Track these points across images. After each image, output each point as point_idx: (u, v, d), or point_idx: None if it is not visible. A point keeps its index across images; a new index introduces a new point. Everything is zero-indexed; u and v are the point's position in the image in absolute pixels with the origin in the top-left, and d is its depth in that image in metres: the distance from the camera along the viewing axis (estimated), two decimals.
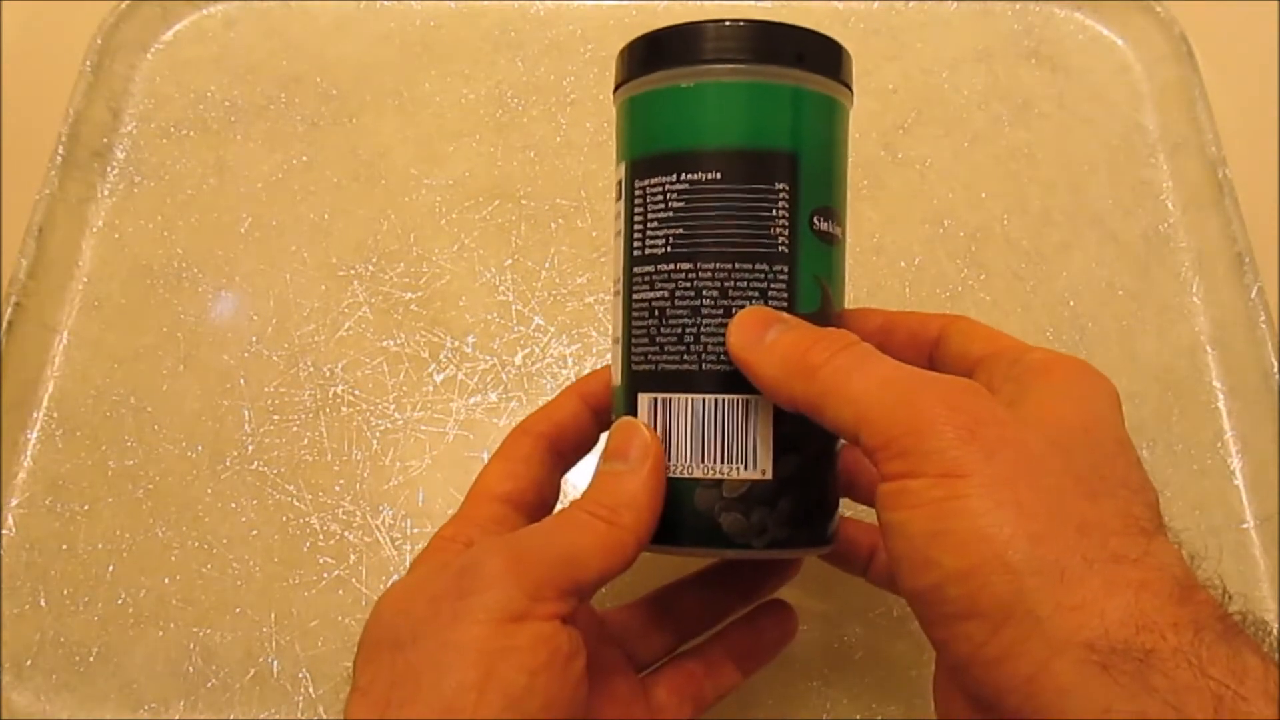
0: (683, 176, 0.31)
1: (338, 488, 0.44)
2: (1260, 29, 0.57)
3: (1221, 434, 0.46)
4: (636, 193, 0.32)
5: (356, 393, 0.46)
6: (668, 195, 0.31)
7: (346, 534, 0.43)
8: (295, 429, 0.45)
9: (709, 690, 0.35)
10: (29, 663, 0.41)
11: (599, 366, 0.46)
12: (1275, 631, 0.24)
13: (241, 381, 0.46)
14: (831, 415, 0.27)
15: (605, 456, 0.30)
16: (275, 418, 0.45)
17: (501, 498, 0.32)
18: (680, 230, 0.31)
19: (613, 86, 0.33)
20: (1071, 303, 0.48)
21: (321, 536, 0.43)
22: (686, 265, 0.31)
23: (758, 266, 0.30)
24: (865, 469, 0.34)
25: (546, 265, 0.49)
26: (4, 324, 0.45)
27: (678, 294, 0.31)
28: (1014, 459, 0.24)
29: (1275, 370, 0.45)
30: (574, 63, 0.54)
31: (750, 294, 0.30)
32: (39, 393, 0.46)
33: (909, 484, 0.24)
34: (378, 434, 0.45)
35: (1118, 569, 0.23)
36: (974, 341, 0.31)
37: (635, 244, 0.32)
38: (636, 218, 0.32)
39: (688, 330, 0.31)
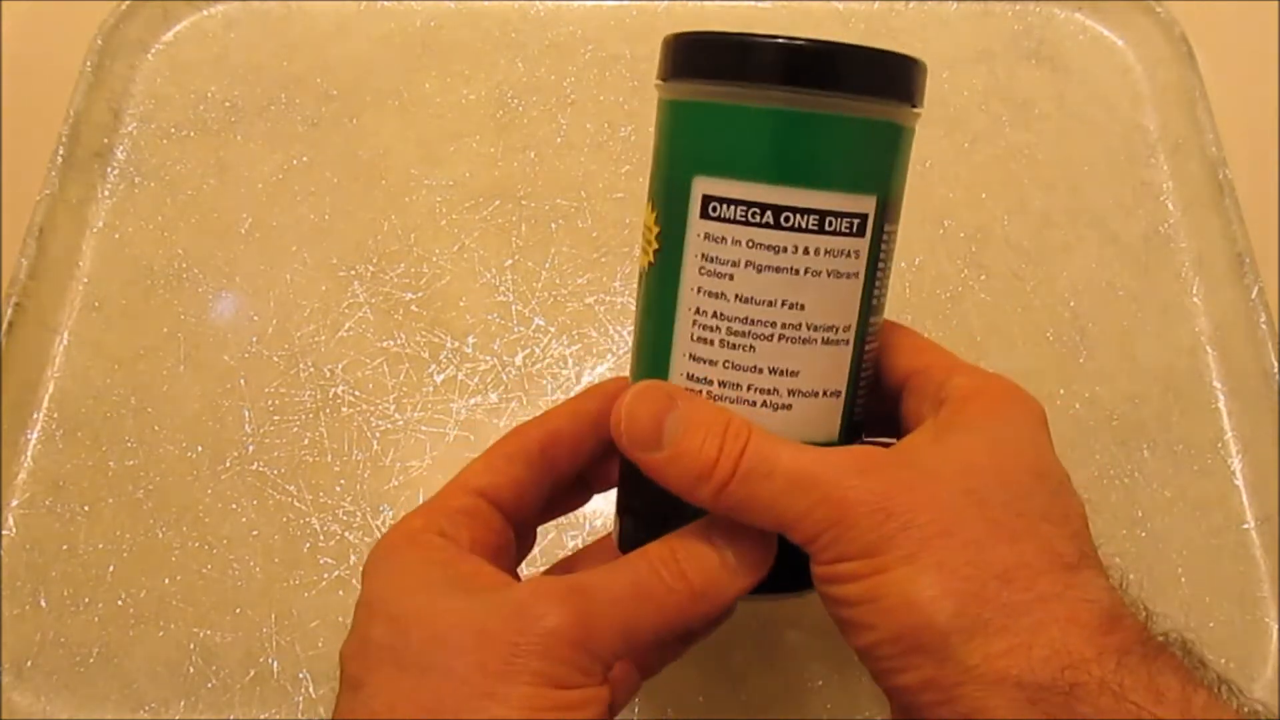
0: (896, 227, 0.29)
1: (338, 488, 0.44)
2: (1260, 29, 0.57)
3: (1222, 434, 0.46)
4: (885, 235, 0.29)
5: (357, 393, 0.46)
6: (892, 245, 0.29)
7: (347, 534, 0.43)
8: (295, 429, 0.45)
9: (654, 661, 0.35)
10: (29, 663, 0.41)
11: (597, 366, 0.47)
12: (1198, 649, 0.26)
13: (242, 382, 0.46)
14: (752, 522, 0.28)
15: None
16: (276, 418, 0.45)
17: (477, 490, 0.32)
18: (886, 284, 0.30)
19: (839, 85, 0.28)
20: (1071, 303, 0.48)
21: (322, 537, 0.43)
22: (881, 319, 0.31)
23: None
24: None
25: (547, 266, 0.49)
26: (4, 324, 0.45)
27: (878, 349, 0.31)
28: (929, 521, 0.26)
29: (1275, 370, 0.45)
30: (574, 63, 0.54)
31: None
32: (39, 393, 0.46)
33: (839, 567, 0.26)
34: (378, 434, 0.45)
35: (1045, 607, 0.25)
36: (901, 354, 0.32)
37: (876, 292, 0.29)
38: (882, 264, 0.29)
39: (878, 382, 0.31)
